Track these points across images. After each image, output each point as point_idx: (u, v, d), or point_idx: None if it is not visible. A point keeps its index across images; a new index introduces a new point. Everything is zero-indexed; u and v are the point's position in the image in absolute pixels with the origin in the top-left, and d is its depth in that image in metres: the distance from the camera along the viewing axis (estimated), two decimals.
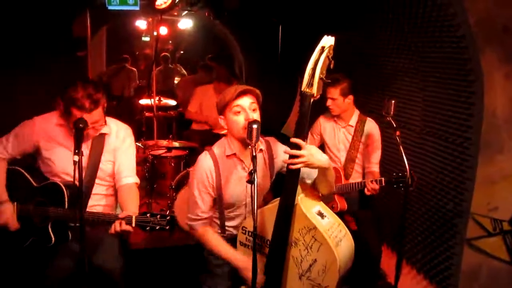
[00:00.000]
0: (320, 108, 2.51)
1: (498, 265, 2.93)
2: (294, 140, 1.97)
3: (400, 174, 2.89)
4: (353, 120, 3.41)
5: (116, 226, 2.20)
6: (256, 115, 2.19)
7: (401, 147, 2.81)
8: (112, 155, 2.54)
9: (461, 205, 3.07)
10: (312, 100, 1.96)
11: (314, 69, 1.93)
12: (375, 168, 3.34)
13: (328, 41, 1.93)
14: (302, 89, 1.97)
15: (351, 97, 3.34)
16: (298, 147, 1.98)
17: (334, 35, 1.96)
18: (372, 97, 3.56)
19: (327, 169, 2.11)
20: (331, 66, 1.97)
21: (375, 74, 4.06)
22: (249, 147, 2.13)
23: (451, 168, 3.16)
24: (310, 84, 1.94)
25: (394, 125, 2.89)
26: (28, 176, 2.48)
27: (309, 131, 3.65)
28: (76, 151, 2.05)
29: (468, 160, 3.00)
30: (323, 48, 1.92)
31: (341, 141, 3.46)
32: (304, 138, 2.01)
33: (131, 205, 2.44)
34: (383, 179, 3.04)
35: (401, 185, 2.88)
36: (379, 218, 3.93)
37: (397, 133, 2.87)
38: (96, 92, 2.28)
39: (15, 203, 2.46)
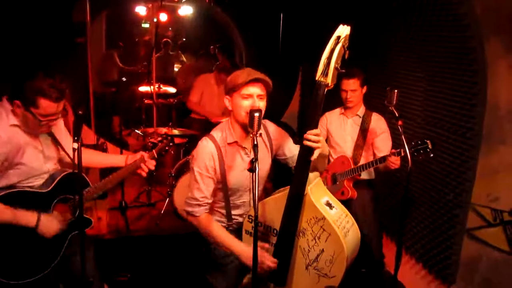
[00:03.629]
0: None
1: (498, 255, 2.94)
2: (312, 132, 1.99)
3: (419, 142, 2.80)
4: (361, 111, 3.41)
5: (147, 167, 2.59)
6: (262, 104, 2.19)
7: (403, 137, 2.79)
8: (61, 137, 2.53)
9: (462, 195, 3.08)
10: (326, 89, 1.95)
11: (329, 58, 1.92)
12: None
13: (344, 30, 1.93)
14: (317, 78, 1.96)
15: (365, 87, 3.36)
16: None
17: (335, 25, 1.94)
18: (374, 86, 3.54)
19: (326, 155, 2.27)
20: (346, 56, 1.97)
21: (378, 64, 4.03)
22: (251, 134, 2.15)
23: (452, 158, 3.15)
24: (325, 73, 1.94)
25: (397, 115, 2.87)
26: (30, 189, 2.33)
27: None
28: (75, 138, 2.02)
29: (470, 150, 2.99)
30: (338, 37, 1.92)
31: (348, 132, 3.44)
32: (316, 127, 2.01)
33: (114, 155, 2.83)
34: (401, 149, 2.90)
35: (421, 151, 2.77)
36: (379, 207, 3.94)
37: (400, 122, 2.85)
38: (61, 82, 2.19)
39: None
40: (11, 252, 2.26)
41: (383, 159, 3.03)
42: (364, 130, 3.37)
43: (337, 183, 3.39)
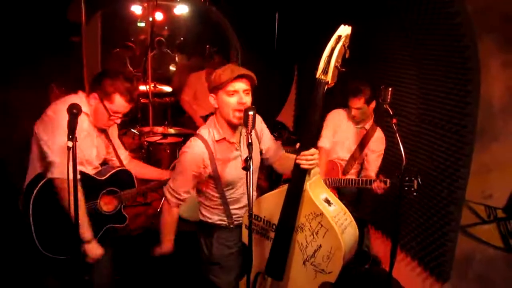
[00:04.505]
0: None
1: (492, 252, 2.96)
2: (306, 152, 2.05)
3: (407, 178, 2.86)
4: (368, 125, 3.44)
5: None
6: (248, 99, 2.20)
7: (397, 135, 2.81)
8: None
9: (456, 192, 3.09)
10: (326, 87, 1.98)
11: (330, 56, 1.96)
12: (372, 174, 3.38)
13: (344, 30, 1.97)
14: (317, 76, 2.00)
15: (374, 102, 3.35)
16: (310, 147, 2.06)
17: (330, 24, 1.96)
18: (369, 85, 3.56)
19: None
20: (347, 55, 2.00)
21: (372, 62, 4.04)
22: (238, 128, 2.26)
23: (446, 155, 3.17)
24: (325, 71, 1.97)
25: (391, 113, 2.89)
26: (88, 174, 2.50)
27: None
28: (70, 137, 2.03)
29: (464, 147, 3.01)
30: (339, 37, 1.96)
31: (350, 140, 3.47)
32: (316, 127, 2.05)
33: (155, 170, 2.97)
34: (388, 180, 3.01)
35: (406, 189, 2.85)
36: (374, 205, 3.96)
37: (394, 120, 2.86)
38: (136, 89, 2.47)
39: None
40: (54, 229, 2.39)
41: (369, 182, 3.09)
42: (364, 145, 3.41)
43: None
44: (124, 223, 2.71)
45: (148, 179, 2.86)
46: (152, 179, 2.88)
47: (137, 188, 2.74)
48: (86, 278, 2.63)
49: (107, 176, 2.57)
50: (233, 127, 2.28)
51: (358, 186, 3.22)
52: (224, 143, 2.31)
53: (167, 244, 2.45)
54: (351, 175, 3.45)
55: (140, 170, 2.88)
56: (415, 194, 2.88)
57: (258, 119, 2.47)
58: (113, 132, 2.74)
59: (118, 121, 2.50)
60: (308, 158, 2.05)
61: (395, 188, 2.92)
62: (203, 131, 2.33)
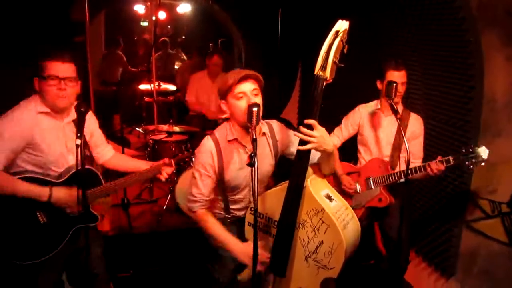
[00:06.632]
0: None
1: (497, 247, 2.96)
2: (308, 121, 1.97)
3: (470, 150, 2.58)
4: (399, 109, 3.06)
5: (165, 173, 2.74)
6: (257, 99, 2.19)
7: (402, 130, 2.81)
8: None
9: (461, 187, 3.10)
10: (324, 84, 1.97)
11: (328, 52, 1.94)
12: (419, 162, 3.01)
13: (342, 25, 1.95)
14: (315, 72, 1.98)
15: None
16: (310, 128, 1.98)
17: (333, 20, 1.96)
18: (372, 81, 3.55)
19: (331, 153, 2.11)
20: (345, 50, 1.98)
21: (375, 58, 4.04)
22: (250, 129, 2.17)
23: (450, 151, 3.17)
24: (323, 68, 1.96)
25: (395, 108, 2.88)
26: (42, 177, 2.40)
27: (339, 118, 3.37)
28: (78, 134, 2.07)
29: (467, 143, 3.00)
30: (337, 32, 1.94)
31: (383, 131, 3.15)
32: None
33: (140, 162, 2.85)
34: (451, 158, 2.65)
35: (473, 160, 2.56)
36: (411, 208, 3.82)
37: (398, 116, 2.86)
38: (61, 49, 2.39)
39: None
40: (18, 235, 2.36)
41: (424, 168, 2.77)
42: (403, 130, 2.93)
43: (373, 188, 3.12)
44: (95, 222, 2.59)
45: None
46: (136, 171, 2.73)
47: (102, 186, 2.56)
48: (94, 272, 2.65)
49: (65, 178, 2.44)
50: (248, 130, 2.23)
51: (415, 174, 2.82)
52: (235, 145, 2.31)
53: (236, 249, 2.25)
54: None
55: (125, 163, 2.81)
56: (483, 164, 2.57)
57: (277, 125, 2.45)
58: (91, 124, 2.64)
59: (67, 91, 2.35)
60: (306, 128, 1.98)
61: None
62: (218, 131, 2.35)
